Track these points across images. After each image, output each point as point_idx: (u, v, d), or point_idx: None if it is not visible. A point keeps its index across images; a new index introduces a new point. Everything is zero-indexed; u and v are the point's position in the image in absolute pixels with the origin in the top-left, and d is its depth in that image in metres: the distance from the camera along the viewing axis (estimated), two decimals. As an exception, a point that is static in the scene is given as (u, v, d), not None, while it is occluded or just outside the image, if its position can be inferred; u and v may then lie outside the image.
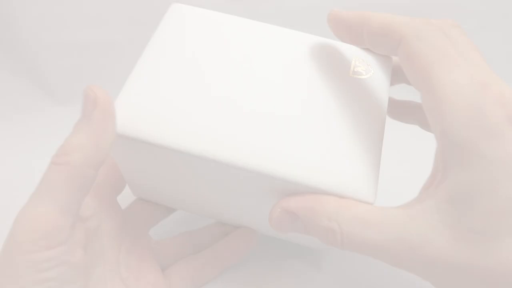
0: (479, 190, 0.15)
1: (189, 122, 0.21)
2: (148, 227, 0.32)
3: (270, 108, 0.21)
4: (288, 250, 0.36)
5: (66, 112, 0.52)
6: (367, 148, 0.21)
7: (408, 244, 0.17)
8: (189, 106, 0.21)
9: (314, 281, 0.35)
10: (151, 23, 0.51)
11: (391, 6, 0.50)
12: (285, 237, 0.32)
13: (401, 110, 0.30)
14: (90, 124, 0.21)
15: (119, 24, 0.50)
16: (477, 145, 0.16)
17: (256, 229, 0.32)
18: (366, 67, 0.24)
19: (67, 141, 0.21)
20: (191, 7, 0.26)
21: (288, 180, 0.20)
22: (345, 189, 0.21)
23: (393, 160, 0.40)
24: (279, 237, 0.33)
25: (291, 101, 0.22)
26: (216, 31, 0.25)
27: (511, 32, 0.53)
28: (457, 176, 0.16)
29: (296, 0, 0.50)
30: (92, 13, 0.49)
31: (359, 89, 0.24)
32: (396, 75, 0.27)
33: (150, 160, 0.23)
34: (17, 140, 0.49)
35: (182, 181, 0.24)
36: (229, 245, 0.31)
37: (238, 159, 0.20)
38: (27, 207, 0.21)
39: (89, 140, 0.21)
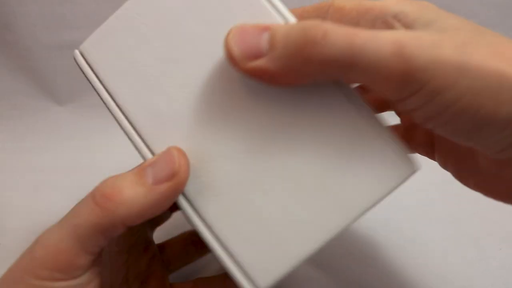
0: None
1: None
2: (151, 232, 0.32)
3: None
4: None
5: (66, 112, 0.52)
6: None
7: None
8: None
9: (314, 281, 0.35)
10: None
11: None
12: None
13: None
14: (155, 189, 0.19)
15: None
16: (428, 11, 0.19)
17: None
18: None
19: (120, 185, 0.19)
20: None
21: None
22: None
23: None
24: None
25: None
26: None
27: (511, 32, 0.53)
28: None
29: (296, 0, 0.50)
30: (92, 13, 0.49)
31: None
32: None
33: None
34: (17, 140, 0.49)
35: None
36: None
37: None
38: (52, 234, 0.20)
39: (143, 203, 0.19)
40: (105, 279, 0.26)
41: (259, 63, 0.18)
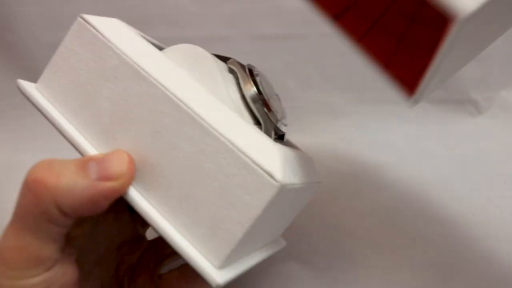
0: None
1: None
2: (145, 228, 0.32)
3: None
4: (287, 251, 0.36)
5: (66, 112, 0.52)
6: None
7: None
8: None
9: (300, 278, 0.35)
10: (151, 23, 0.51)
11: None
12: None
13: None
14: (96, 186, 0.19)
15: (119, 24, 0.50)
16: None
17: None
18: None
19: (59, 171, 0.19)
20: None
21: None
22: None
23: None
24: None
25: None
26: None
27: (511, 32, 0.53)
28: None
29: (295, 0, 0.50)
30: (92, 13, 0.49)
31: None
32: None
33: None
34: (17, 140, 0.49)
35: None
36: None
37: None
38: (8, 235, 0.19)
39: (81, 195, 0.19)
40: (95, 274, 0.26)
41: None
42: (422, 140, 0.52)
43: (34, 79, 0.51)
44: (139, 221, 0.31)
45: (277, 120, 0.25)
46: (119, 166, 0.19)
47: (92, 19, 0.25)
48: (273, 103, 0.25)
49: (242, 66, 0.26)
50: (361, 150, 0.49)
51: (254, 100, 0.24)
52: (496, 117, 0.55)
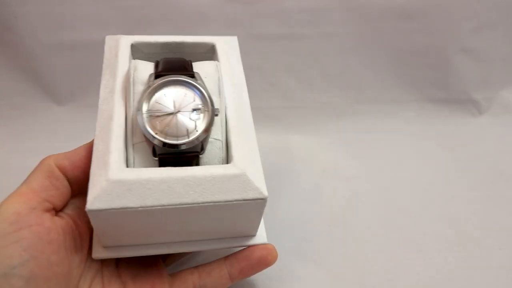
0: None
1: None
2: None
3: None
4: (289, 251, 0.36)
5: (66, 112, 0.52)
6: None
7: None
8: None
9: (314, 280, 0.35)
10: (151, 23, 0.51)
11: (391, 6, 0.50)
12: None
13: None
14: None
15: (119, 24, 0.50)
16: None
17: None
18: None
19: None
20: None
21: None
22: None
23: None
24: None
25: None
26: None
27: (511, 32, 0.53)
28: None
29: (295, 0, 0.50)
30: (92, 13, 0.49)
31: None
32: None
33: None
34: (16, 140, 0.49)
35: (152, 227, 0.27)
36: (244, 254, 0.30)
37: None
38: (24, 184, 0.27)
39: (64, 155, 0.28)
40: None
41: None
42: (422, 140, 0.52)
43: (34, 79, 0.52)
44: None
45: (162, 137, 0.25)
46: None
47: None
48: (161, 121, 0.25)
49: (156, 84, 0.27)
50: (361, 150, 0.49)
51: (137, 117, 0.26)
52: (496, 117, 0.55)
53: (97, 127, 0.27)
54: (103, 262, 0.28)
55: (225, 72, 0.31)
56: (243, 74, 0.32)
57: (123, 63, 0.30)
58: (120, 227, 0.25)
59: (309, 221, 0.40)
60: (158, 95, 0.26)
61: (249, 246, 0.29)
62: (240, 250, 0.30)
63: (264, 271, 0.30)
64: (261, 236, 0.30)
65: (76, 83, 0.52)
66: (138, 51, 0.32)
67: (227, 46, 0.33)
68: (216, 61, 0.31)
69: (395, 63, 0.53)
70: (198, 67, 0.29)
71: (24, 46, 0.50)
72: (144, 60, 0.30)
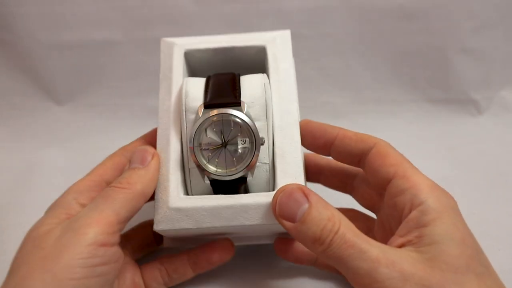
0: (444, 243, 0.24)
1: None
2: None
3: None
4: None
5: (66, 112, 0.52)
6: None
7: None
8: None
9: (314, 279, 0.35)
10: (151, 23, 0.51)
11: (391, 6, 0.50)
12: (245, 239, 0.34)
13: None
14: (148, 168, 0.28)
15: (119, 24, 0.50)
16: (443, 213, 0.25)
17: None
18: None
19: (130, 175, 0.27)
20: None
21: None
22: None
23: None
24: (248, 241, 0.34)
25: None
26: None
27: (511, 32, 0.53)
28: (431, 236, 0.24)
29: (295, 0, 0.50)
30: (92, 13, 0.49)
31: None
32: None
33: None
34: (16, 140, 0.49)
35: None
36: (205, 253, 0.32)
37: None
38: (87, 213, 0.25)
39: (147, 177, 0.28)
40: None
41: (288, 225, 0.26)
42: (422, 140, 0.52)
43: (34, 79, 0.52)
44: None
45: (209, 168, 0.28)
46: (147, 153, 0.29)
47: None
48: (211, 152, 0.28)
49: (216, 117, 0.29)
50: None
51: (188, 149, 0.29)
52: (496, 117, 0.55)
53: (157, 148, 0.31)
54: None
55: (274, 83, 0.32)
56: (294, 79, 0.33)
57: (177, 77, 0.32)
58: (183, 236, 0.32)
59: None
60: (208, 129, 0.28)
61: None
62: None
63: (267, 271, 0.30)
64: None
65: (76, 83, 0.52)
66: (191, 56, 0.34)
67: (278, 48, 0.34)
68: (264, 76, 0.31)
69: (395, 63, 0.53)
70: (246, 83, 0.30)
71: (24, 46, 0.50)
72: (197, 62, 0.34)
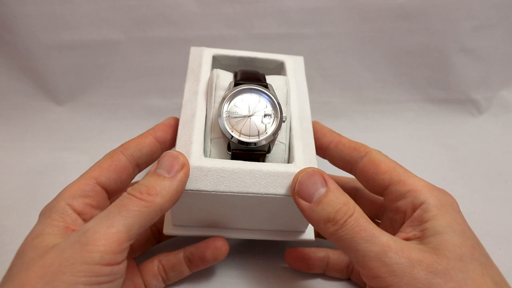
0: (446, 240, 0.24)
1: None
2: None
3: None
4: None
5: (66, 112, 0.52)
6: None
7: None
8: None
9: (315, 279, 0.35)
10: (151, 23, 0.51)
11: (391, 6, 0.50)
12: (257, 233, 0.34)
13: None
14: (173, 180, 0.26)
15: (119, 24, 0.50)
16: (443, 209, 0.26)
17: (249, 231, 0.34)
18: None
19: (152, 184, 0.25)
20: None
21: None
22: None
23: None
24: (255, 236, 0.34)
25: None
26: None
27: (511, 32, 0.53)
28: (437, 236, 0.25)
29: (295, 0, 0.50)
30: (92, 13, 0.49)
31: None
32: None
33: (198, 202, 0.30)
34: (16, 140, 0.49)
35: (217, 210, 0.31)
36: (199, 251, 0.32)
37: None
38: (98, 224, 0.23)
39: (169, 191, 0.25)
40: None
41: (303, 204, 0.27)
42: (422, 140, 0.52)
43: (34, 79, 0.52)
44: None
45: (234, 135, 0.30)
46: (178, 160, 0.27)
47: None
48: (237, 121, 0.30)
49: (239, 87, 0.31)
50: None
51: (218, 116, 0.30)
52: (496, 117, 0.55)
53: (180, 122, 0.32)
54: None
55: (292, 86, 0.35)
56: (306, 89, 0.37)
57: (205, 71, 0.35)
58: (193, 207, 0.30)
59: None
60: (236, 100, 0.30)
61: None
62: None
63: (268, 271, 0.30)
64: (309, 233, 0.34)
65: (76, 83, 0.52)
66: (217, 62, 0.38)
67: (294, 65, 0.38)
68: (285, 76, 0.35)
69: (395, 63, 0.53)
70: (270, 80, 0.33)
71: (24, 46, 0.50)
72: (222, 69, 0.34)
